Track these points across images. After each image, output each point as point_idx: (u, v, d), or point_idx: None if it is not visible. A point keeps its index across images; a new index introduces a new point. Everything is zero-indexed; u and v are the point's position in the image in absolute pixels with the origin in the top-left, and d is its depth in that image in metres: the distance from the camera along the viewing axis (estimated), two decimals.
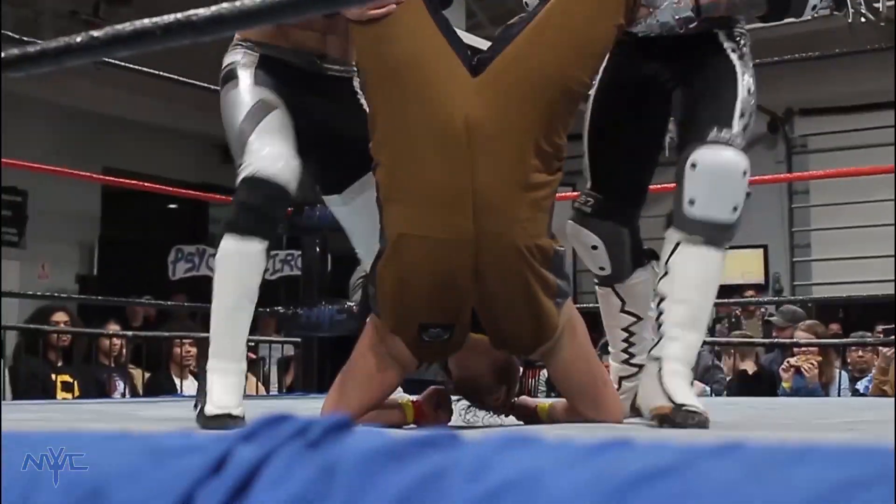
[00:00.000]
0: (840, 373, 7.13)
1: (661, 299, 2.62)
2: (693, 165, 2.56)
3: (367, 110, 2.68)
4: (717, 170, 2.56)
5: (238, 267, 2.62)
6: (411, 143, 2.51)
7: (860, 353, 7.31)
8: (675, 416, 2.38)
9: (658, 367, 2.51)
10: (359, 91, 2.88)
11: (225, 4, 1.31)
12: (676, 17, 2.61)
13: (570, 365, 2.65)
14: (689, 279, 2.57)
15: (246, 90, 2.79)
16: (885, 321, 8.06)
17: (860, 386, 7.03)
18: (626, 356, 2.84)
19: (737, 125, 2.65)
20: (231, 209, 2.73)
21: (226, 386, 2.53)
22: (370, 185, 2.74)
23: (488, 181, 2.45)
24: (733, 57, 2.76)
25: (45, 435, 1.09)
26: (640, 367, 2.71)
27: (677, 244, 2.58)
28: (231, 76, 2.85)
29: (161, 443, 0.99)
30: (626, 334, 2.85)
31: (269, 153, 2.66)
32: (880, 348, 6.96)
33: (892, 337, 6.95)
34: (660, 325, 2.61)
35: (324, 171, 3.03)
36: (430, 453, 0.86)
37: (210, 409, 2.48)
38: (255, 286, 2.64)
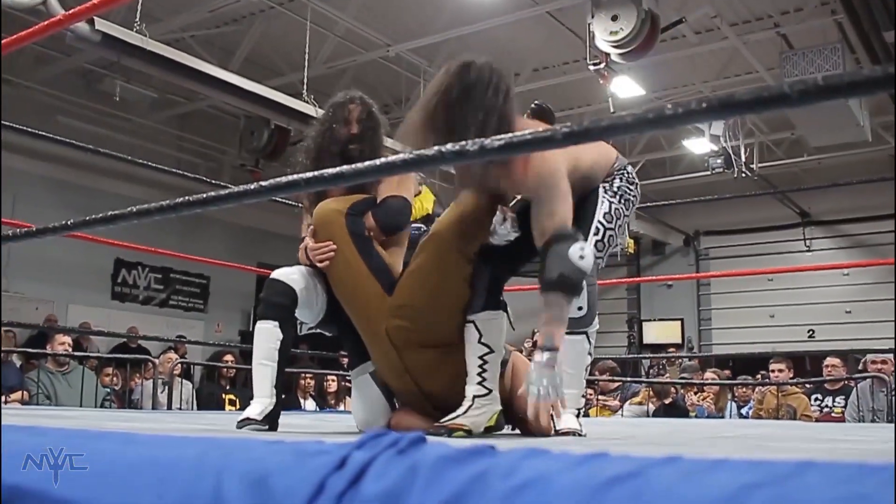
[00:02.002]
0: (730, 403, 7.10)
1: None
2: None
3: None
4: None
5: (259, 340, 2.51)
6: (364, 338, 2.50)
7: (744, 389, 7.24)
8: (562, 433, 2.33)
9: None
10: None
11: (344, 167, 1.35)
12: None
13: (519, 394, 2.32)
14: (569, 361, 2.35)
15: None
16: (762, 369, 7.99)
17: (743, 411, 6.95)
18: (480, 380, 2.28)
19: (591, 240, 2.42)
20: None
21: (253, 407, 2.42)
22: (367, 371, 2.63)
23: (412, 361, 2.39)
24: (601, 191, 2.51)
25: (232, 441, 1.10)
26: (491, 391, 2.30)
27: None
28: None
29: (303, 447, 0.99)
30: (480, 361, 2.31)
31: (287, 269, 2.57)
32: (757, 387, 6.91)
33: (767, 379, 6.86)
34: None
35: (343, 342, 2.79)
36: (478, 459, 0.86)
37: (239, 418, 2.43)
38: (271, 350, 2.49)
